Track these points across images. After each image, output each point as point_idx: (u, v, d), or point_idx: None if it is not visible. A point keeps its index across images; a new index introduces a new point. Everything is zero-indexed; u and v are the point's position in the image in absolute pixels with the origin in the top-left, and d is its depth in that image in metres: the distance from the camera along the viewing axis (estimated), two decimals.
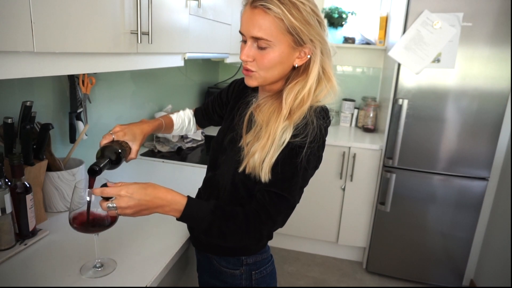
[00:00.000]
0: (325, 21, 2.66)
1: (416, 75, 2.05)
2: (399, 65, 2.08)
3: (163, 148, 1.88)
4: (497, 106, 1.99)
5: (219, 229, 0.79)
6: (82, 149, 1.38)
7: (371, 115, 2.62)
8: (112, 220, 0.82)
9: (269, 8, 0.75)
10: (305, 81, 0.82)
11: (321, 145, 0.84)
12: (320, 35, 0.80)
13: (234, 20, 1.79)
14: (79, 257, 0.90)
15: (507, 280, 1.97)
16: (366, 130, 2.64)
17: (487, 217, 2.33)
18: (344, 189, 2.40)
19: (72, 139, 1.34)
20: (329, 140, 2.30)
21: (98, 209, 0.80)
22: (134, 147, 0.90)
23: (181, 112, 1.21)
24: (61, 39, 0.75)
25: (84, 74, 1.34)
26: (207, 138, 2.12)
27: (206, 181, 1.01)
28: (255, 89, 0.96)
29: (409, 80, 2.08)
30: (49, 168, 1.09)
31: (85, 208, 0.79)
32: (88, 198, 0.79)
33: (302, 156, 0.79)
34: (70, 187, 1.10)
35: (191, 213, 0.78)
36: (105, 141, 0.86)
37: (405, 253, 2.32)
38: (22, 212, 0.93)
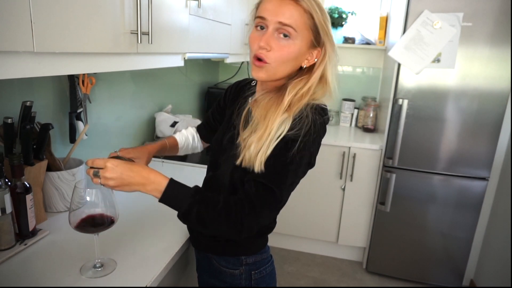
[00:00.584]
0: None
1: (416, 75, 2.05)
2: (399, 65, 2.08)
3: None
4: (497, 106, 1.99)
5: (198, 214, 0.77)
6: (82, 149, 1.38)
7: (371, 115, 2.62)
8: (112, 220, 0.82)
9: (298, 0, 0.77)
10: (307, 80, 0.84)
11: (315, 141, 0.82)
12: (332, 41, 0.84)
13: (234, 20, 1.79)
14: (79, 257, 0.90)
15: (507, 280, 1.97)
16: (366, 130, 2.64)
17: (487, 217, 2.33)
18: (344, 189, 2.40)
19: (72, 139, 1.34)
20: (329, 140, 2.33)
21: (97, 209, 0.81)
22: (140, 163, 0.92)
23: (183, 130, 1.20)
24: (61, 39, 0.75)
25: (84, 74, 1.34)
26: None
27: (206, 181, 1.01)
28: (252, 87, 0.96)
29: (409, 80, 2.08)
30: (49, 168, 1.09)
31: (85, 208, 0.79)
32: (88, 198, 0.79)
33: (294, 150, 0.78)
34: (70, 187, 1.10)
35: (171, 195, 0.77)
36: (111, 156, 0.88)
37: (405, 253, 2.32)
38: (22, 212, 0.93)
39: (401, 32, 2.03)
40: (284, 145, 0.79)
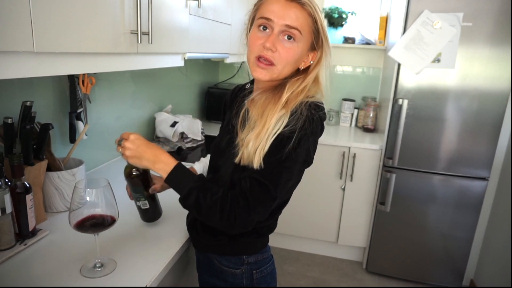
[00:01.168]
0: (325, 21, 2.68)
1: (416, 75, 2.05)
2: (399, 65, 2.08)
3: (163, 148, 1.88)
4: (497, 106, 1.99)
5: (196, 199, 0.80)
6: (82, 149, 1.38)
7: (371, 115, 2.62)
8: (112, 220, 0.82)
9: (304, 4, 0.80)
10: (303, 79, 0.86)
11: (311, 137, 0.81)
12: (329, 45, 0.87)
13: (234, 20, 1.79)
14: (79, 257, 0.90)
15: (507, 280, 1.97)
16: (366, 130, 2.64)
17: (487, 217, 2.33)
18: (344, 189, 2.40)
19: (72, 139, 1.34)
20: (329, 140, 2.33)
21: (97, 209, 0.81)
22: (157, 183, 0.99)
23: (202, 158, 1.26)
24: (61, 39, 0.75)
25: (84, 74, 1.34)
26: (207, 138, 2.12)
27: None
28: (248, 90, 0.97)
29: (409, 80, 2.08)
30: (49, 168, 1.09)
31: (85, 208, 0.80)
32: (88, 198, 0.79)
33: (289, 146, 0.78)
34: (70, 187, 1.10)
35: (176, 176, 0.82)
36: None
37: (405, 253, 2.32)
38: (22, 212, 0.92)
39: (401, 32, 2.03)
40: (279, 143, 0.79)
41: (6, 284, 0.79)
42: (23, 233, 0.95)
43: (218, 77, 2.99)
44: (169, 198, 1.04)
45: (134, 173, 0.94)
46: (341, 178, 2.38)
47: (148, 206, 1.00)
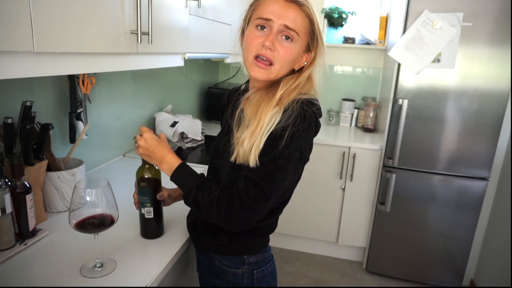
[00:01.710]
0: (325, 21, 2.68)
1: (416, 75, 2.05)
2: (399, 65, 2.08)
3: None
4: (497, 106, 1.99)
5: (195, 198, 0.84)
6: (82, 149, 1.38)
7: (371, 115, 2.62)
8: (112, 220, 0.82)
9: (302, 5, 0.81)
10: (297, 78, 0.87)
11: (304, 134, 0.81)
12: (323, 47, 0.88)
13: (234, 20, 1.79)
14: (79, 257, 0.90)
15: (507, 280, 1.97)
16: (366, 130, 2.64)
17: (487, 217, 2.33)
18: (344, 189, 2.40)
19: (72, 139, 1.34)
20: (329, 140, 2.33)
21: (97, 209, 0.81)
22: (166, 192, 1.02)
23: None
24: (61, 39, 0.75)
25: (84, 74, 1.34)
26: (207, 138, 2.12)
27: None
28: (243, 90, 0.97)
29: (409, 80, 2.08)
30: (49, 168, 1.09)
31: (85, 208, 0.80)
32: (88, 198, 0.79)
33: (282, 144, 0.78)
34: (70, 187, 1.10)
35: (178, 176, 0.87)
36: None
37: (405, 253, 2.32)
38: (22, 212, 0.92)
39: (401, 32, 2.03)
40: (272, 141, 0.80)
41: (6, 284, 0.79)
42: (23, 233, 0.95)
43: (218, 77, 2.99)
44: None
45: (146, 176, 0.95)
46: (341, 178, 2.38)
47: (152, 216, 0.98)
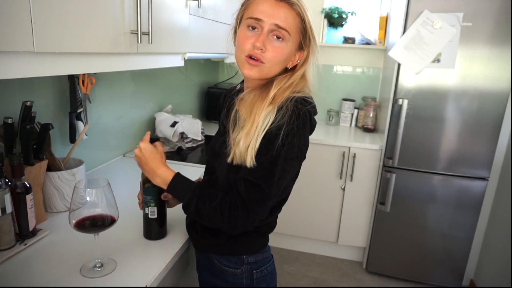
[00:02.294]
0: (325, 21, 2.68)
1: (416, 75, 2.05)
2: (399, 65, 2.08)
3: (163, 148, 1.88)
4: (497, 106, 1.99)
5: (196, 207, 0.83)
6: (82, 149, 1.38)
7: (371, 115, 2.62)
8: (112, 220, 0.82)
9: (293, 4, 0.81)
10: (290, 77, 0.87)
11: (299, 132, 0.81)
12: (316, 45, 0.88)
13: (234, 20, 1.79)
14: (79, 257, 0.90)
15: (507, 280, 1.97)
16: (366, 130, 2.64)
17: (487, 217, 2.33)
18: (344, 189, 2.40)
19: (72, 139, 1.34)
20: (329, 140, 2.33)
21: (97, 209, 0.81)
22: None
23: None
24: (61, 39, 0.75)
25: (84, 74, 1.34)
26: (207, 138, 2.12)
27: (203, 184, 1.01)
28: (238, 91, 0.97)
29: (409, 80, 2.08)
30: (49, 168, 1.09)
31: (85, 208, 0.80)
32: (88, 198, 0.79)
33: (278, 143, 0.79)
34: (70, 187, 1.10)
35: (174, 187, 0.87)
36: None
37: (405, 253, 2.32)
38: (22, 212, 0.93)
39: (401, 32, 2.03)
40: (267, 140, 0.80)
41: (6, 284, 0.79)
42: (23, 233, 0.95)
43: (218, 77, 2.99)
44: None
45: None
46: (341, 178, 2.38)
47: (155, 216, 0.98)
